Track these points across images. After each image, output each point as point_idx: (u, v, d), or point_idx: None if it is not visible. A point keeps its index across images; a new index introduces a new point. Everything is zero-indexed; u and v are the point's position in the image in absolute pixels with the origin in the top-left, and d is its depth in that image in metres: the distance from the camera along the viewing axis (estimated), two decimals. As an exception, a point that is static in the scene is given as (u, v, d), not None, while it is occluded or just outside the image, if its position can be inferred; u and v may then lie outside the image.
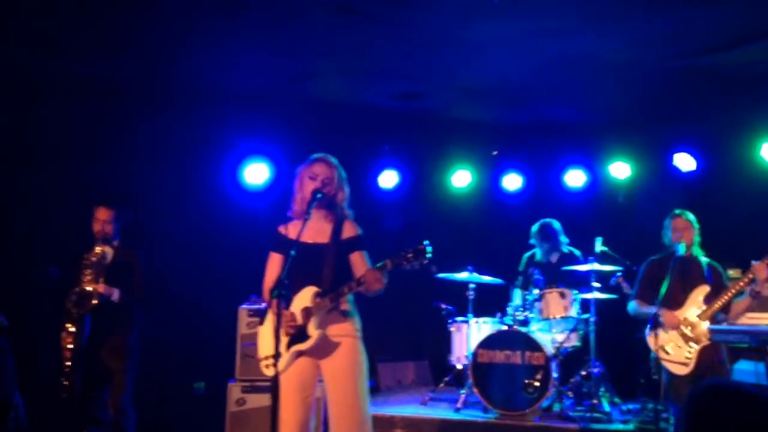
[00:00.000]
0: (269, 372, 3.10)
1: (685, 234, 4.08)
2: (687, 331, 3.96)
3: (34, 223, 5.11)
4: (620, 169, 6.19)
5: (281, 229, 3.29)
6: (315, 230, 3.20)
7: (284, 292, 2.90)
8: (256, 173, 5.89)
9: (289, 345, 3.08)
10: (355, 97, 5.63)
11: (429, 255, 2.89)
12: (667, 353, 3.95)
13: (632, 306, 4.28)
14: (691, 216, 4.16)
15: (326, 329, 3.09)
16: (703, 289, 4.01)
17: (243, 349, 4.74)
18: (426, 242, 2.91)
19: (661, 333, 3.99)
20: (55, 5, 3.92)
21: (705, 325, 3.92)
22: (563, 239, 5.57)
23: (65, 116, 5.10)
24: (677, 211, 4.19)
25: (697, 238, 4.15)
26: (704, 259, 4.16)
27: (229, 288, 5.15)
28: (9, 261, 4.90)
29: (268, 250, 3.31)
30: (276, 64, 4.94)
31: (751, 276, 3.83)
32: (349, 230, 3.24)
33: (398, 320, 6.43)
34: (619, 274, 5.02)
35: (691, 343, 3.94)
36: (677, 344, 3.96)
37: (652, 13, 3.97)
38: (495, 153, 6.65)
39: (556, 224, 5.57)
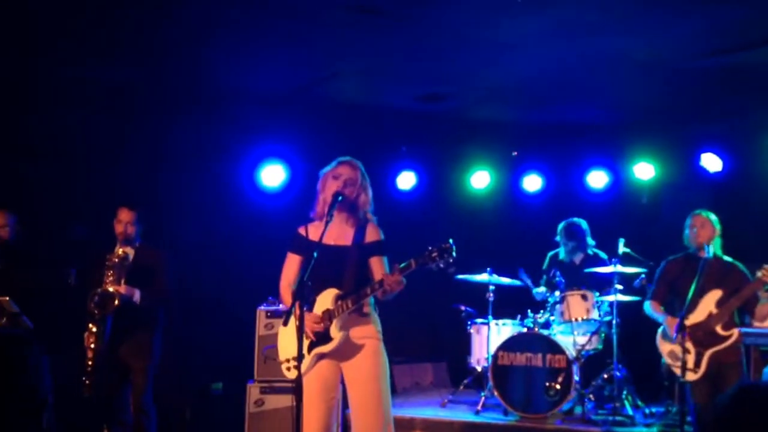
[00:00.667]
0: (291, 374, 3.09)
1: (700, 231, 4.00)
2: (696, 336, 3.88)
3: (56, 225, 5.15)
4: (644, 170, 6.08)
5: (301, 230, 3.26)
6: (337, 233, 3.17)
7: (306, 294, 2.88)
8: (273, 175, 5.90)
9: (311, 347, 3.07)
10: (374, 99, 5.60)
11: (454, 253, 2.86)
12: (676, 359, 3.88)
13: (647, 306, 4.23)
14: (711, 215, 4.09)
15: (348, 331, 3.06)
16: (715, 294, 3.93)
17: (265, 351, 4.74)
18: (450, 240, 2.88)
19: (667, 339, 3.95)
20: (74, 10, 3.93)
21: (718, 329, 3.85)
22: (590, 241, 5.50)
23: (86, 120, 5.14)
24: (697, 211, 4.12)
25: (718, 239, 4.07)
26: (727, 260, 4.08)
27: (246, 289, 5.15)
28: (32, 263, 4.94)
29: (286, 250, 3.28)
30: (295, 67, 4.92)
31: (763, 279, 3.74)
32: (371, 234, 3.20)
33: (416, 321, 6.39)
34: (643, 275, 4.96)
35: (700, 348, 3.87)
36: (687, 349, 3.87)
37: (680, 9, 3.89)
38: (515, 154, 6.58)
39: (584, 224, 5.51)
